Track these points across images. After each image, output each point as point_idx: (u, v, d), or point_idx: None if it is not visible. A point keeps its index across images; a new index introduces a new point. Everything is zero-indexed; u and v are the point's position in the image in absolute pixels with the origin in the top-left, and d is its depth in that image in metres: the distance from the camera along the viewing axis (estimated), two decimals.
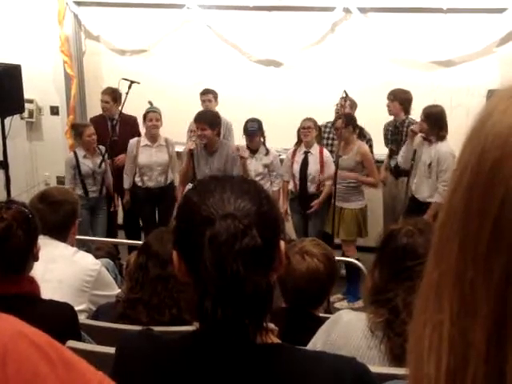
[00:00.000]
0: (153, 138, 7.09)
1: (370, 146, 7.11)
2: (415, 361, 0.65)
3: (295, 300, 2.93)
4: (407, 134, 6.68)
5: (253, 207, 1.36)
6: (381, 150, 7.31)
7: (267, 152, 6.99)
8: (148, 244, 3.17)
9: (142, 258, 3.12)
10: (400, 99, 6.96)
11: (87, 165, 6.96)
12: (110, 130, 7.27)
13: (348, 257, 6.30)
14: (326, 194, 6.82)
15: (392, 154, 7.12)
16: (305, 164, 6.84)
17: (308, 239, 3.23)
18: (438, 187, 6.12)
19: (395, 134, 7.07)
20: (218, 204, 1.36)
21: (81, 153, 6.97)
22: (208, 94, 7.53)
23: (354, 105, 7.16)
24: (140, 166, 7.11)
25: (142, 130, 7.29)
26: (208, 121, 6.56)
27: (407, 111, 7.00)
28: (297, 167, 6.89)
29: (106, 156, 7.03)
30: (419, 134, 6.38)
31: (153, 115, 7.00)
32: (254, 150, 6.96)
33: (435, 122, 6.21)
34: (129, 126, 7.52)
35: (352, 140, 6.64)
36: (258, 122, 6.88)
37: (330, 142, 7.28)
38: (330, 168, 6.74)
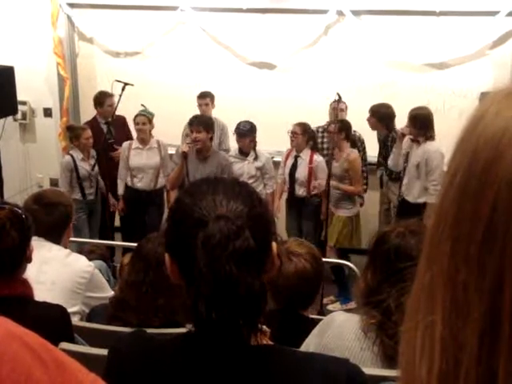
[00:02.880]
0: (142, 140, 7.08)
1: (363, 151, 7.13)
2: (407, 363, 0.65)
3: (286, 301, 2.93)
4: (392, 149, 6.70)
5: (245, 209, 1.36)
6: (374, 153, 7.31)
7: (256, 157, 6.97)
8: (137, 247, 3.18)
9: (131, 261, 3.14)
10: (378, 115, 6.91)
11: (84, 167, 6.94)
12: (107, 132, 7.27)
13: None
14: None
15: (379, 165, 7.14)
16: (293, 168, 6.86)
17: (291, 239, 3.23)
18: (429, 187, 6.13)
19: (381, 148, 7.09)
20: (210, 206, 1.36)
21: (78, 156, 6.93)
22: (206, 98, 7.50)
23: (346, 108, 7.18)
24: (131, 169, 7.10)
25: (134, 130, 7.28)
26: (203, 123, 6.54)
27: (388, 127, 6.94)
28: (287, 170, 6.91)
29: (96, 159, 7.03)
30: (408, 137, 6.39)
31: (139, 119, 6.98)
32: (245, 153, 6.96)
33: (421, 123, 6.23)
34: (120, 127, 7.54)
35: (344, 147, 6.63)
36: (251, 124, 6.87)
37: (323, 146, 7.27)
38: (321, 173, 6.74)
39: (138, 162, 7.07)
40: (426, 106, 6.52)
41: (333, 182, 6.61)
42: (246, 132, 6.82)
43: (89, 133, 6.91)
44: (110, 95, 7.44)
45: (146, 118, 6.98)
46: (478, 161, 0.60)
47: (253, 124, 6.89)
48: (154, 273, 2.93)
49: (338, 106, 6.78)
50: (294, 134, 6.76)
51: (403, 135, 6.45)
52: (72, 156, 6.95)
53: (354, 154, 6.73)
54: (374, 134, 7.24)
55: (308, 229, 6.97)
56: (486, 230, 0.58)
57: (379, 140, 7.14)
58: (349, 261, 6.02)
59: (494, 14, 7.31)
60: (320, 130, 7.29)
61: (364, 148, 7.21)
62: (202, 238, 1.30)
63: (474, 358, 0.58)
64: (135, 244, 3.22)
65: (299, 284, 2.86)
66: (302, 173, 6.82)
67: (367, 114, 7.03)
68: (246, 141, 6.87)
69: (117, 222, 7.74)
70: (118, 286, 3.59)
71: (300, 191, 6.89)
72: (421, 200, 6.23)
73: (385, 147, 6.98)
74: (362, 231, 6.84)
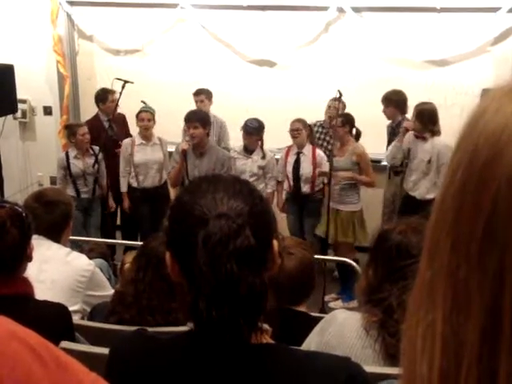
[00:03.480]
0: (146, 137, 7.09)
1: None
2: (408, 360, 0.65)
3: (289, 296, 2.94)
4: None
5: (246, 207, 1.36)
6: (375, 150, 7.32)
7: (264, 155, 6.98)
8: (142, 244, 3.20)
9: (134, 257, 3.16)
10: (395, 104, 6.94)
11: (77, 165, 6.93)
12: (109, 128, 7.28)
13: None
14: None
15: None
16: (297, 164, 6.84)
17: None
18: (438, 182, 6.11)
19: (393, 135, 7.06)
20: (211, 204, 1.35)
21: (72, 153, 6.94)
22: (201, 95, 7.52)
23: (344, 107, 7.13)
24: (136, 165, 7.09)
25: (136, 128, 7.25)
26: (199, 119, 6.55)
27: (403, 111, 6.98)
28: (290, 168, 6.89)
29: (101, 156, 7.01)
30: (410, 132, 6.38)
31: (145, 115, 7.00)
32: (250, 151, 6.96)
33: (428, 118, 6.22)
34: (120, 125, 7.55)
35: (347, 140, 6.60)
36: (259, 123, 6.85)
37: (321, 142, 7.27)
38: (323, 168, 6.74)
39: (143, 158, 7.07)
40: (431, 102, 6.50)
41: (346, 174, 6.55)
42: (253, 130, 6.81)
43: (84, 129, 6.89)
44: (113, 91, 7.46)
45: (150, 114, 7.02)
46: (479, 158, 0.60)
47: (261, 122, 6.86)
48: (153, 271, 2.95)
49: (339, 104, 6.76)
50: (297, 130, 6.74)
51: (407, 130, 6.44)
52: (67, 153, 6.97)
53: (361, 146, 6.69)
54: (376, 130, 7.24)
55: (310, 226, 6.96)
56: (486, 226, 0.58)
57: (391, 128, 7.11)
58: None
59: (495, 10, 7.32)
60: (317, 124, 7.29)
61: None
62: (203, 237, 1.29)
63: (475, 356, 0.58)
64: (136, 242, 3.23)
65: (303, 273, 2.91)
66: (306, 169, 6.81)
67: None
68: (252, 139, 6.87)
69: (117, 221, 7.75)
70: (119, 284, 3.61)
71: (305, 188, 6.88)
72: (429, 196, 6.21)
73: (396, 135, 6.92)
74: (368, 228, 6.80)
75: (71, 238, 4.44)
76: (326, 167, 6.70)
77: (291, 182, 6.93)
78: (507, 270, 0.57)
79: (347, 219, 6.68)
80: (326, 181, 6.73)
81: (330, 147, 7.04)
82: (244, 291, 1.28)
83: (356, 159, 6.54)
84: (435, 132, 6.23)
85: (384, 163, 7.32)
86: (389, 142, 7.12)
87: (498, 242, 0.57)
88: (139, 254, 3.15)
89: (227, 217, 1.32)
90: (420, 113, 6.25)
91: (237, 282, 1.27)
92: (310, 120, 6.97)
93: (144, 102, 7.13)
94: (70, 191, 6.80)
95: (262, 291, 1.32)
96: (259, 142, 6.94)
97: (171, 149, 7.12)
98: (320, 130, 7.32)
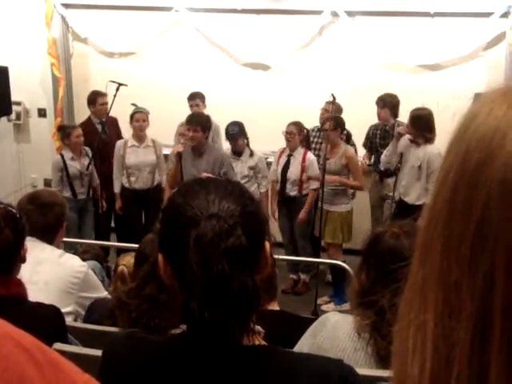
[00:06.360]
0: (140, 138, 7.09)
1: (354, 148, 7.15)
2: (399, 362, 0.65)
3: None
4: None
5: (237, 208, 1.36)
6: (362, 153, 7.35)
7: (251, 153, 6.99)
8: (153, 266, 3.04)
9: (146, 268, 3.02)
10: (390, 105, 6.96)
11: (75, 166, 6.93)
12: (102, 131, 7.28)
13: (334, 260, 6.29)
14: (309, 204, 6.82)
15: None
16: (286, 167, 6.85)
17: None
18: (429, 189, 6.11)
19: (385, 139, 7.06)
20: (202, 205, 1.36)
21: (68, 155, 6.93)
22: (195, 99, 7.50)
23: (338, 110, 7.10)
24: (128, 167, 7.09)
25: (129, 130, 7.26)
26: (201, 123, 6.54)
27: (396, 115, 7.01)
28: (280, 169, 6.91)
29: (91, 158, 7.01)
30: (406, 137, 6.38)
31: (139, 116, 7.00)
32: (238, 153, 6.97)
33: (422, 124, 6.20)
34: (113, 127, 7.54)
35: (338, 143, 6.61)
36: (239, 125, 6.89)
37: (317, 146, 7.27)
38: (312, 171, 6.74)
39: (135, 160, 7.07)
40: (427, 108, 6.48)
41: (334, 178, 6.55)
42: (236, 134, 6.86)
43: (79, 131, 6.90)
44: (103, 94, 7.45)
45: (144, 115, 7.03)
46: (470, 161, 0.60)
47: (240, 124, 6.91)
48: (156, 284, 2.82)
49: (330, 108, 6.75)
50: (290, 134, 6.74)
51: (400, 134, 6.43)
52: (62, 155, 6.96)
53: (351, 149, 6.73)
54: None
55: (301, 228, 6.95)
56: (477, 230, 0.59)
57: (376, 132, 7.10)
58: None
59: (487, 15, 7.33)
60: (315, 129, 7.28)
61: (355, 147, 7.22)
62: (195, 237, 1.30)
63: (465, 358, 0.59)
64: (130, 245, 3.14)
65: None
66: (294, 171, 6.81)
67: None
68: (238, 142, 6.90)
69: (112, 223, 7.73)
70: (112, 287, 3.57)
71: (291, 190, 6.88)
72: (420, 202, 6.21)
73: (389, 138, 6.90)
74: (355, 230, 6.80)
75: (66, 239, 4.42)
76: (315, 171, 6.71)
77: (279, 183, 6.95)
78: (497, 272, 0.57)
79: (336, 220, 6.68)
80: (315, 186, 6.72)
81: (323, 151, 7.03)
82: (235, 291, 1.28)
83: (345, 162, 6.55)
84: (429, 139, 6.20)
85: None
86: (381, 146, 7.10)
87: (489, 244, 0.58)
88: (153, 272, 2.98)
89: (218, 217, 1.32)
90: (414, 118, 6.24)
91: (228, 282, 1.28)
92: (305, 124, 6.96)
93: (135, 105, 7.11)
94: (67, 193, 6.80)
95: (254, 291, 1.32)
96: (245, 141, 6.97)
97: (166, 151, 7.13)
98: (317, 134, 7.31)
